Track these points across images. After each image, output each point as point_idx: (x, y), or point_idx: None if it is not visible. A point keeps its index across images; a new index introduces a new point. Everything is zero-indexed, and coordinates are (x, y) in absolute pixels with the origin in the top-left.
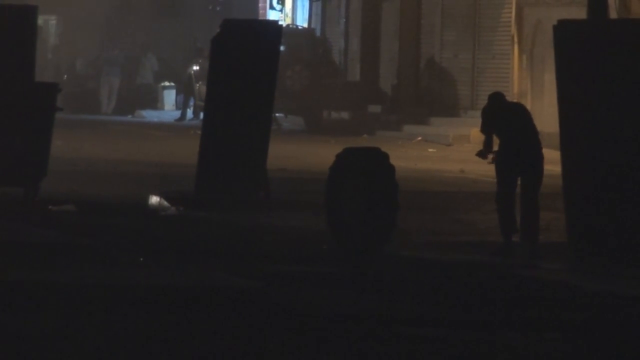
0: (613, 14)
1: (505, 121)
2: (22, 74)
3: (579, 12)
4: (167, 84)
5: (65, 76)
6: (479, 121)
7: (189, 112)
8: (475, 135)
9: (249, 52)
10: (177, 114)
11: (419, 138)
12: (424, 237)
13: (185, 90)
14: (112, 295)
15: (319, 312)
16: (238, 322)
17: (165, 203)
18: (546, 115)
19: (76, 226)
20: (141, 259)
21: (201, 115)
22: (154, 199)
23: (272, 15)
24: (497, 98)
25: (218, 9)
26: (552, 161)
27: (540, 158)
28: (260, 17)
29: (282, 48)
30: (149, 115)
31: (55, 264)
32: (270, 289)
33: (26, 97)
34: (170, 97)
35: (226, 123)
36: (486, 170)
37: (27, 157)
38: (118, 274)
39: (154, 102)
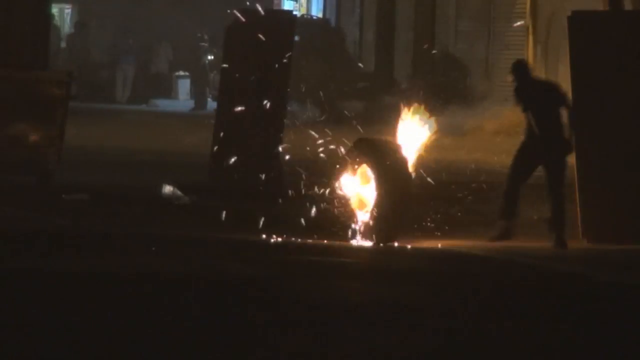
0: (628, 5)
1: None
2: (36, 62)
3: (594, 3)
4: (181, 73)
5: (80, 65)
6: (493, 112)
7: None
8: (489, 126)
9: (263, 42)
10: (192, 103)
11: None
12: (437, 228)
13: (200, 79)
14: (124, 283)
15: (331, 302)
16: (249, 311)
17: (179, 192)
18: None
19: (89, 215)
20: (153, 248)
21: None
22: (168, 188)
23: (286, 5)
24: (521, 67)
25: None
26: None
27: (563, 147)
28: (275, 7)
29: (296, 38)
30: (163, 104)
31: (67, 252)
32: (283, 278)
33: (40, 86)
34: (184, 86)
35: (240, 112)
36: (500, 161)
37: (41, 146)
38: (130, 262)
39: (168, 91)
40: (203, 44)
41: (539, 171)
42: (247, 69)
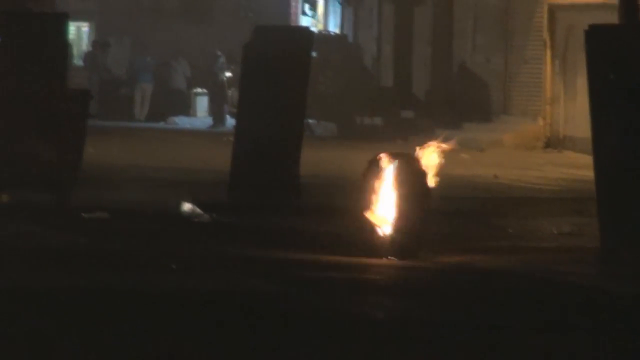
0: None
1: None
2: (54, 81)
3: (611, 17)
4: (199, 90)
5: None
6: (511, 126)
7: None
8: (508, 140)
9: (280, 58)
10: (210, 120)
11: (452, 143)
12: (457, 242)
13: (217, 96)
14: (143, 301)
15: (351, 318)
16: (267, 328)
17: (198, 209)
18: (579, 120)
19: (108, 233)
20: (173, 266)
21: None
22: (187, 205)
23: (304, 21)
24: None
25: (250, 15)
26: (585, 166)
27: None
28: (292, 23)
29: (314, 54)
30: (182, 121)
31: (87, 270)
32: (303, 295)
33: (58, 104)
34: (203, 103)
35: (258, 129)
36: (519, 175)
37: (59, 164)
38: (150, 280)
39: (187, 108)
40: (220, 59)
41: (557, 184)
42: (265, 85)
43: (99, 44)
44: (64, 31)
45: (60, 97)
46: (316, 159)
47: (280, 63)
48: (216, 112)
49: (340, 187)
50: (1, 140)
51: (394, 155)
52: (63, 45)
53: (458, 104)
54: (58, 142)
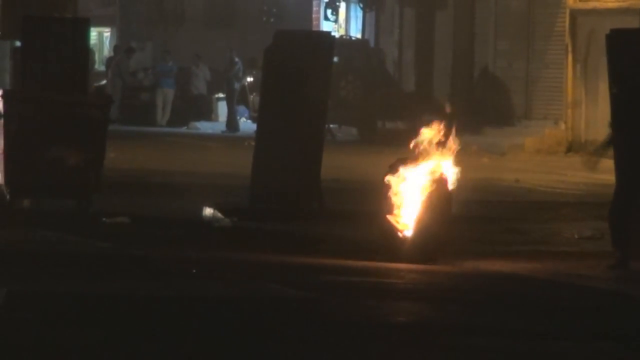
0: None
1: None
2: (76, 87)
3: (633, 21)
4: (221, 95)
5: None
6: (533, 130)
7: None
8: (530, 145)
9: (302, 63)
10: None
11: (473, 147)
12: (478, 247)
13: (230, 101)
14: (165, 306)
15: (373, 322)
16: (289, 332)
17: (219, 214)
18: (600, 125)
19: (130, 238)
20: (194, 271)
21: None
22: (208, 210)
23: (325, 26)
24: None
25: (271, 20)
26: (606, 170)
27: None
28: (314, 28)
29: (335, 59)
30: (203, 126)
31: (109, 275)
32: (324, 299)
33: (80, 110)
34: (224, 108)
35: (280, 134)
36: (541, 180)
37: (81, 169)
38: (172, 285)
39: (208, 113)
40: (237, 65)
41: (578, 189)
42: (286, 90)
43: (122, 49)
44: (85, 36)
45: (82, 103)
46: (337, 164)
47: (302, 68)
48: (229, 117)
49: (362, 192)
50: (24, 146)
51: (414, 160)
52: (85, 51)
53: (479, 109)
54: (80, 147)
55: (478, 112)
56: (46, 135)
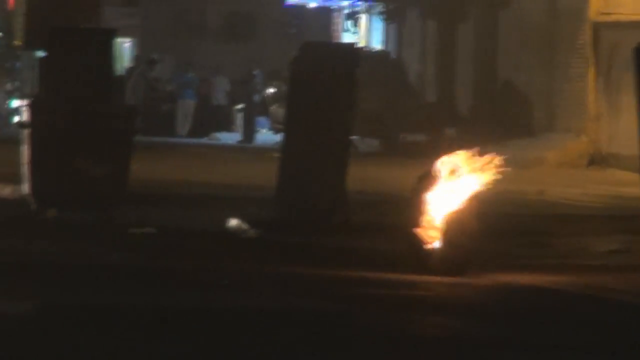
0: None
1: None
2: (101, 97)
3: None
4: (241, 106)
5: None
6: (554, 143)
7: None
8: (552, 158)
9: (327, 74)
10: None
11: (495, 160)
12: (505, 260)
13: (248, 112)
14: (195, 317)
15: (403, 336)
16: (322, 345)
17: (245, 226)
18: (623, 138)
19: (157, 249)
20: (225, 282)
21: (259, 138)
22: (233, 222)
23: (346, 38)
24: None
25: (292, 31)
26: (630, 183)
27: None
28: (335, 40)
29: None
30: (224, 137)
31: (138, 287)
32: (354, 312)
33: (105, 121)
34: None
35: (306, 145)
36: (564, 192)
37: (106, 180)
38: (204, 297)
39: (229, 124)
40: (256, 77)
41: (602, 202)
42: (312, 102)
43: (143, 60)
44: (111, 47)
45: (107, 114)
46: (360, 176)
47: (327, 79)
48: (245, 128)
49: (387, 204)
50: (50, 157)
51: (442, 171)
52: (110, 62)
53: (502, 121)
54: (106, 158)
55: (500, 124)
56: (72, 146)
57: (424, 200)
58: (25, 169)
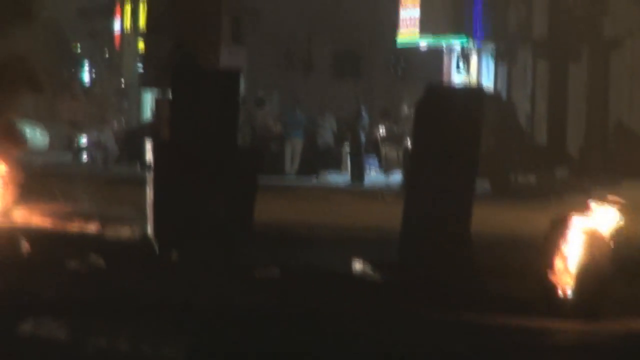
0: None
1: None
2: (226, 138)
3: None
4: (349, 145)
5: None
6: None
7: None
8: None
9: (454, 118)
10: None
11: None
12: (638, 305)
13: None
14: None
15: None
16: None
17: (369, 268)
18: None
19: (283, 291)
20: (358, 326)
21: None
22: (357, 264)
23: (456, 78)
24: None
25: (399, 70)
26: None
27: None
28: (445, 79)
29: None
30: (333, 177)
31: (264, 330)
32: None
33: (230, 161)
34: None
35: (431, 188)
36: None
37: (230, 221)
38: (332, 341)
39: (337, 163)
40: (363, 117)
41: None
42: (439, 144)
43: (249, 97)
44: (236, 89)
45: (233, 155)
46: (476, 218)
47: (454, 122)
48: (354, 168)
49: (508, 247)
50: (173, 198)
51: (577, 217)
52: (235, 103)
53: (615, 162)
54: (230, 199)
55: (613, 166)
56: (196, 187)
57: (558, 245)
58: (148, 210)
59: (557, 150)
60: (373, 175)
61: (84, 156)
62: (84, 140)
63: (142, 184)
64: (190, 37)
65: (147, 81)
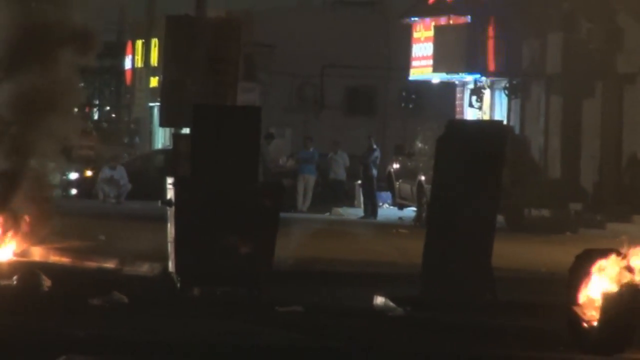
0: None
1: None
2: (247, 175)
3: None
4: (361, 182)
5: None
6: None
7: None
8: None
9: (475, 152)
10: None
11: (623, 237)
12: None
13: (367, 187)
14: None
15: None
16: None
17: (391, 304)
18: None
19: (306, 328)
20: None
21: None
22: (380, 300)
23: (470, 113)
24: None
25: (411, 106)
26: None
27: None
28: (457, 115)
29: None
30: (346, 212)
31: None
32: None
33: (251, 198)
34: None
35: (452, 223)
36: None
37: (252, 257)
38: None
39: (350, 199)
40: (375, 152)
41: None
42: (460, 179)
43: (263, 134)
44: (257, 125)
45: (254, 192)
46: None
47: (476, 157)
48: (366, 203)
49: (528, 281)
50: (195, 234)
51: (602, 252)
52: (256, 140)
53: (628, 196)
54: (251, 236)
55: (627, 200)
56: (217, 223)
57: (583, 280)
58: (170, 247)
59: (570, 185)
60: (386, 210)
61: (73, 191)
62: (72, 176)
63: (159, 220)
64: (208, 75)
65: (165, 120)
